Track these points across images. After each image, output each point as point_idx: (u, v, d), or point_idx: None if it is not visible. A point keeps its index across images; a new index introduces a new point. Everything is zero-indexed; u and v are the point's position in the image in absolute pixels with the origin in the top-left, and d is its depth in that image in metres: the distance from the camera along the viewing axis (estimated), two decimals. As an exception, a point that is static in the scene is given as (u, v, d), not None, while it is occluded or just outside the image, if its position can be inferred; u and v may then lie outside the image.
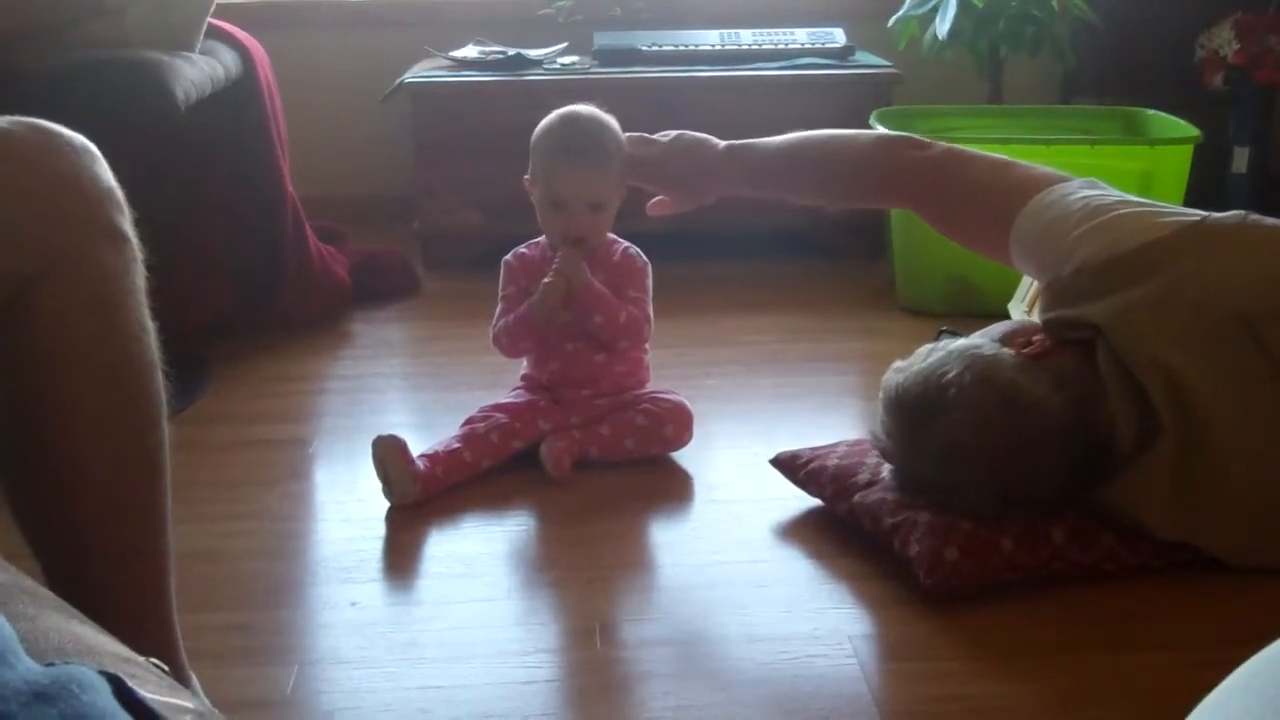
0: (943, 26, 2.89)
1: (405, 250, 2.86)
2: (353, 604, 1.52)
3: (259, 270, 2.50)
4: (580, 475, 1.84)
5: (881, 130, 2.31)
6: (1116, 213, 1.61)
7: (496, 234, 2.68)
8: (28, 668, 0.50)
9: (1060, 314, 1.60)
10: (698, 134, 1.91)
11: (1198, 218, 1.60)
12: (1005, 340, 1.62)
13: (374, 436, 1.78)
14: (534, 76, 2.92)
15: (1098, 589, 1.52)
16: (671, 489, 1.85)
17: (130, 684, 0.53)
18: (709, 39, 3.05)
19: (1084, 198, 1.64)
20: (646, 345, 1.96)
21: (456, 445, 1.83)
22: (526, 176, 1.93)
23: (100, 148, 1.06)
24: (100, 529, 1.06)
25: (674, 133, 1.91)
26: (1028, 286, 2.12)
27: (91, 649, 0.69)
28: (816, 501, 1.73)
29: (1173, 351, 1.51)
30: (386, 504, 1.76)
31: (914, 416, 1.57)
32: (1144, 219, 1.60)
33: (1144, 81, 3.14)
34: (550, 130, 1.90)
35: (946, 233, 1.85)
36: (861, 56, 3.04)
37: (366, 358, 2.40)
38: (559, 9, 3.27)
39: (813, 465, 1.73)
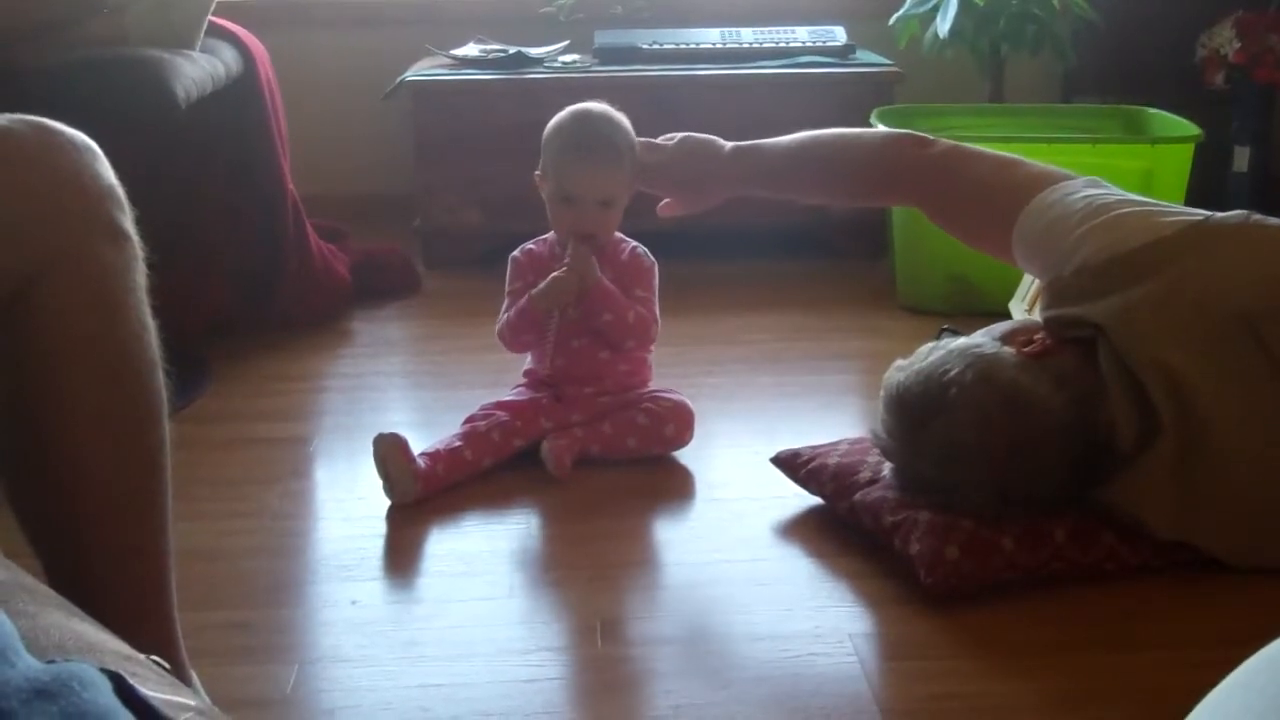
0: (944, 25, 2.89)
1: (406, 249, 2.86)
2: (353, 602, 1.52)
3: (260, 268, 2.50)
4: (581, 474, 1.84)
5: (886, 128, 2.30)
6: (1118, 212, 1.61)
7: (497, 232, 2.69)
8: (29, 665, 0.50)
9: (1061, 313, 1.60)
10: (703, 136, 1.91)
11: (1200, 217, 1.60)
12: (1006, 339, 1.62)
13: (375, 435, 1.78)
14: (535, 75, 2.91)
15: (1098, 589, 1.52)
16: (672, 487, 1.85)
17: (131, 681, 0.53)
18: (710, 37, 3.05)
19: (1086, 197, 1.64)
20: (651, 346, 1.97)
21: (457, 443, 1.83)
22: (537, 173, 1.93)
23: (101, 146, 1.06)
24: (101, 527, 1.06)
25: (680, 135, 1.92)
26: (1028, 285, 2.12)
27: (92, 646, 0.69)
28: (817, 500, 1.73)
29: (1174, 351, 1.51)
30: (387, 502, 1.76)
31: (915, 415, 1.56)
32: (1146, 218, 1.60)
33: (1145, 80, 3.14)
34: (562, 127, 1.90)
35: (950, 230, 1.85)
36: (862, 55, 3.04)
37: (367, 356, 2.40)
38: (560, 7, 3.27)
39: (813, 464, 1.73)
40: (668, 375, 2.04)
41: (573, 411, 1.91)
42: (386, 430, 1.78)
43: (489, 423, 1.86)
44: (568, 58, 3.01)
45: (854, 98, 2.82)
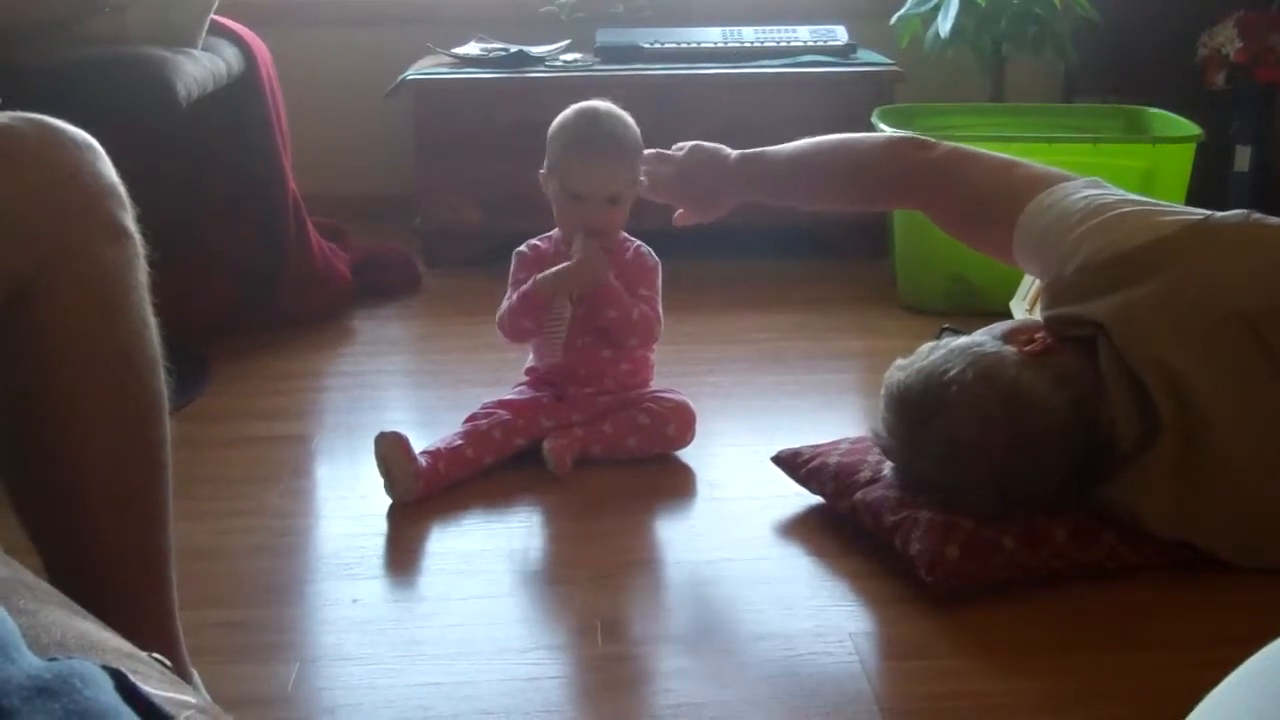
0: (945, 24, 2.89)
1: (406, 247, 2.86)
2: (354, 601, 1.53)
3: (261, 267, 2.50)
4: (582, 473, 1.84)
5: (888, 132, 2.30)
6: (1119, 211, 1.61)
7: (498, 231, 2.69)
8: (30, 662, 0.50)
9: (1062, 312, 1.60)
10: (709, 145, 1.92)
11: (1200, 217, 1.60)
12: (1007, 338, 1.63)
13: (376, 433, 1.78)
14: (536, 74, 2.91)
15: (1098, 588, 1.52)
16: (673, 486, 1.85)
17: (133, 679, 0.53)
18: (711, 36, 3.05)
19: (1086, 197, 1.64)
20: (654, 345, 1.97)
21: (459, 442, 1.83)
22: (542, 170, 1.93)
23: (102, 144, 1.06)
24: (101, 525, 1.06)
25: (688, 145, 1.93)
26: (1029, 285, 2.12)
27: (94, 644, 0.69)
28: (818, 499, 1.73)
29: (1174, 350, 1.51)
30: (388, 501, 1.76)
31: (915, 414, 1.57)
32: (1146, 218, 1.60)
33: (1146, 80, 3.14)
34: (568, 125, 1.91)
35: (952, 233, 1.85)
36: (863, 54, 3.04)
37: (368, 355, 2.40)
38: (561, 6, 3.27)
39: (814, 463, 1.73)
40: (668, 374, 2.04)
41: (574, 411, 1.91)
42: (388, 429, 1.78)
43: (490, 421, 1.86)
44: (569, 57, 3.01)
45: (855, 97, 2.83)
